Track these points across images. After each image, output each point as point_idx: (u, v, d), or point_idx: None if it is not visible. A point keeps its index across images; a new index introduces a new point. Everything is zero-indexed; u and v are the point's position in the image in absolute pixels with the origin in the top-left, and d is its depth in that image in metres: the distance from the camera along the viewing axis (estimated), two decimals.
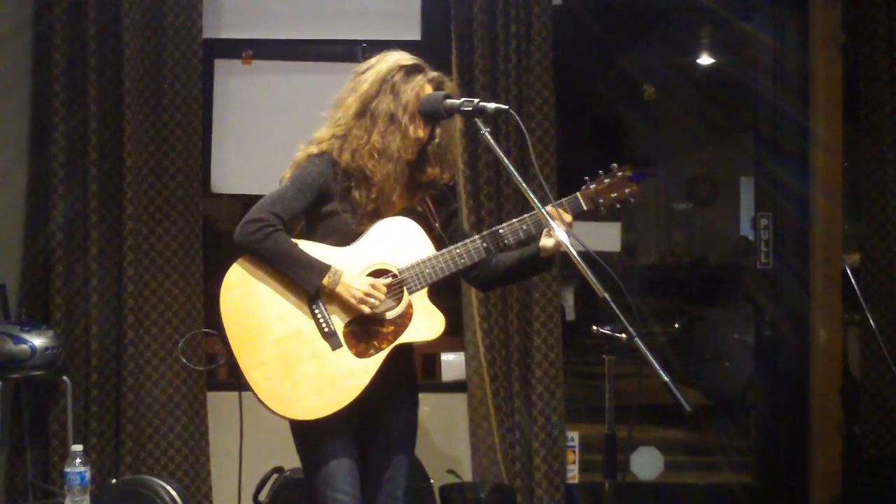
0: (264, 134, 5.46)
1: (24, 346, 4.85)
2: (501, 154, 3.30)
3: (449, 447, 5.44)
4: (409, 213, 3.53)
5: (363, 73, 3.49)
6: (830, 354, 5.46)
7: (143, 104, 5.31)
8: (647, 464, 5.87)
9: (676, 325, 9.11)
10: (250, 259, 3.38)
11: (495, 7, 5.30)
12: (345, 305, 3.36)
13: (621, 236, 5.79)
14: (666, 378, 2.67)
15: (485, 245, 3.44)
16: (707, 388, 8.31)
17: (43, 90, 5.29)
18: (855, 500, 5.39)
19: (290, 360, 3.34)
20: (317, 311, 3.37)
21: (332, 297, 3.36)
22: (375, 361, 3.37)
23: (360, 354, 3.37)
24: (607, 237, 5.64)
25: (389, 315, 3.41)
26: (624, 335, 2.84)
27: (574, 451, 5.53)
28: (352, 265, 3.39)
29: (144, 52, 5.31)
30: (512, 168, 3.29)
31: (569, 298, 6.12)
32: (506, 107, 3.33)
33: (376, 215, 3.46)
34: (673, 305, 9.24)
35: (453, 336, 5.52)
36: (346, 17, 5.55)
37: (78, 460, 3.58)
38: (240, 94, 5.54)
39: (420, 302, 3.44)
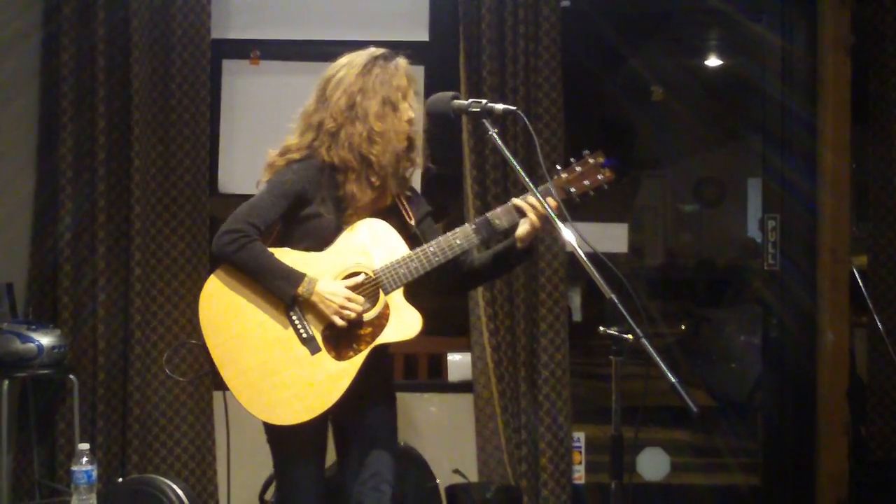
0: (272, 134, 5.44)
1: (32, 345, 4.87)
2: (509, 155, 3.31)
3: (455, 447, 5.44)
4: (385, 213, 3.57)
5: (338, 72, 3.56)
6: (837, 356, 5.45)
7: (151, 104, 5.32)
8: (653, 465, 5.86)
9: (683, 327, 9.10)
10: (227, 269, 3.43)
11: (504, 8, 5.30)
12: (319, 312, 3.39)
13: (628, 237, 5.79)
14: (673, 379, 2.66)
15: (457, 242, 3.47)
16: (714, 390, 8.31)
17: (51, 90, 5.29)
18: (861, 502, 5.38)
19: (270, 367, 3.38)
20: (294, 317, 3.41)
21: (309, 303, 3.39)
22: (355, 364, 3.41)
23: (340, 357, 3.41)
24: (614, 238, 5.64)
25: (366, 317, 3.44)
26: (631, 336, 2.84)
27: (580, 452, 5.53)
28: (326, 270, 3.44)
29: (153, 53, 5.32)
30: (520, 169, 3.30)
31: (575, 299, 6.12)
32: (514, 108, 3.36)
33: (366, 212, 3.51)
34: (680, 307, 9.23)
35: (460, 336, 5.53)
36: (354, 18, 5.55)
37: (84, 459, 3.57)
38: (248, 94, 5.55)
39: (396, 302, 3.47)
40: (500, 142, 3.31)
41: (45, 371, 4.94)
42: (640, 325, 2.82)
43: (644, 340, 2.78)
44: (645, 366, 2.80)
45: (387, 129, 3.48)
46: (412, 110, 3.57)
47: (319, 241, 3.48)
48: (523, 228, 3.45)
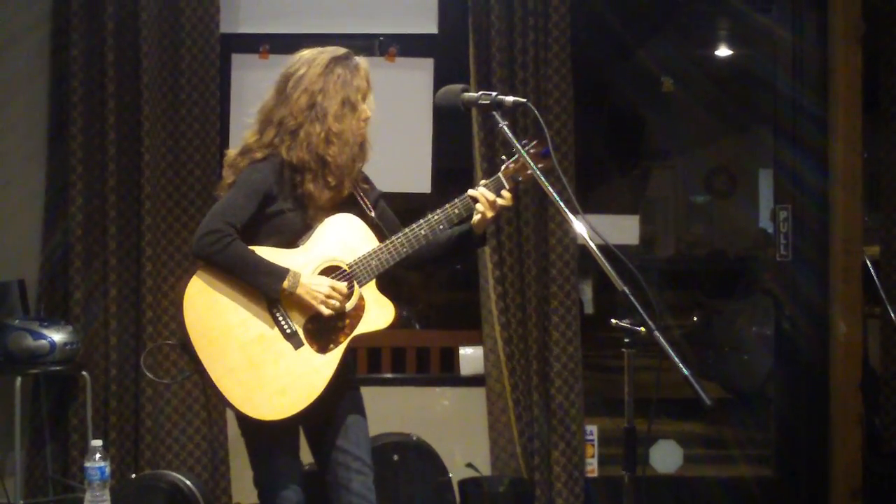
0: None
1: (44, 342, 4.87)
2: (520, 147, 3.32)
3: (467, 441, 5.44)
4: (344, 205, 3.64)
5: (298, 70, 3.59)
6: (850, 347, 5.43)
7: (161, 99, 5.32)
8: (666, 457, 5.85)
9: (695, 318, 9.09)
10: (207, 270, 3.44)
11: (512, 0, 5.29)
12: (302, 306, 3.45)
13: (639, 229, 5.78)
14: (686, 371, 2.66)
15: (423, 233, 3.55)
16: (726, 382, 8.30)
17: (61, 85, 5.30)
18: (875, 493, 5.37)
19: (256, 363, 3.42)
20: (277, 313, 3.46)
21: (291, 299, 3.44)
22: (336, 355, 3.50)
23: (322, 350, 3.48)
24: (625, 230, 5.64)
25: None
26: (643, 328, 2.83)
27: (593, 445, 5.52)
28: (303, 265, 3.49)
29: (162, 47, 5.32)
30: (531, 161, 3.30)
31: (587, 292, 6.11)
32: (523, 100, 3.38)
33: (326, 207, 3.57)
34: (691, 298, 9.22)
35: (472, 330, 5.54)
36: (363, 11, 5.55)
37: (97, 455, 3.58)
38: (257, 88, 5.48)
39: (370, 293, 3.58)
40: (510, 134, 3.32)
41: (58, 367, 4.95)
42: (653, 317, 2.81)
43: (657, 333, 2.77)
44: (657, 358, 2.79)
45: (344, 130, 3.53)
46: (369, 109, 3.63)
47: (286, 237, 3.53)
48: (476, 217, 3.56)
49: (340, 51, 3.62)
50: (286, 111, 3.55)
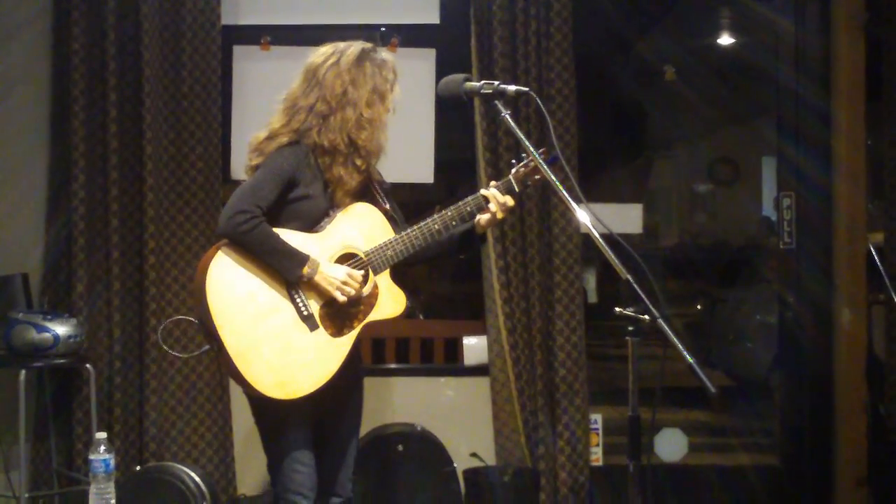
0: None
1: (47, 335, 4.87)
2: (522, 136, 3.33)
3: (472, 431, 5.44)
4: (363, 195, 3.74)
5: (328, 59, 3.71)
6: (854, 335, 5.42)
7: (163, 92, 5.31)
8: (671, 446, 5.85)
9: (698, 307, 9.09)
10: (230, 249, 3.52)
11: None
12: (320, 291, 3.55)
13: (643, 218, 5.77)
14: (690, 360, 2.66)
15: (436, 227, 3.66)
16: (730, 370, 8.29)
17: (62, 78, 5.29)
18: (881, 481, 5.36)
19: (273, 343, 3.50)
20: (295, 295, 3.55)
21: (309, 284, 3.53)
22: (349, 339, 3.62)
23: (336, 334, 3.59)
24: (629, 219, 5.62)
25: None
26: (647, 317, 2.83)
27: (597, 434, 5.53)
28: (323, 250, 3.60)
29: (163, 40, 5.31)
30: (533, 150, 3.31)
31: (590, 281, 6.11)
32: (526, 89, 3.41)
33: (352, 193, 3.68)
34: (695, 287, 9.21)
35: (475, 319, 5.54)
36: (365, 2, 5.54)
37: (102, 448, 3.58)
38: (259, 80, 5.53)
39: (384, 282, 3.70)
40: (512, 123, 3.33)
41: (61, 360, 4.95)
42: (656, 306, 2.81)
43: (661, 321, 2.78)
44: (661, 346, 2.79)
45: (375, 117, 3.65)
46: (395, 100, 3.75)
47: (307, 221, 3.62)
48: (485, 217, 3.69)
49: (367, 44, 3.75)
50: (317, 97, 3.64)
